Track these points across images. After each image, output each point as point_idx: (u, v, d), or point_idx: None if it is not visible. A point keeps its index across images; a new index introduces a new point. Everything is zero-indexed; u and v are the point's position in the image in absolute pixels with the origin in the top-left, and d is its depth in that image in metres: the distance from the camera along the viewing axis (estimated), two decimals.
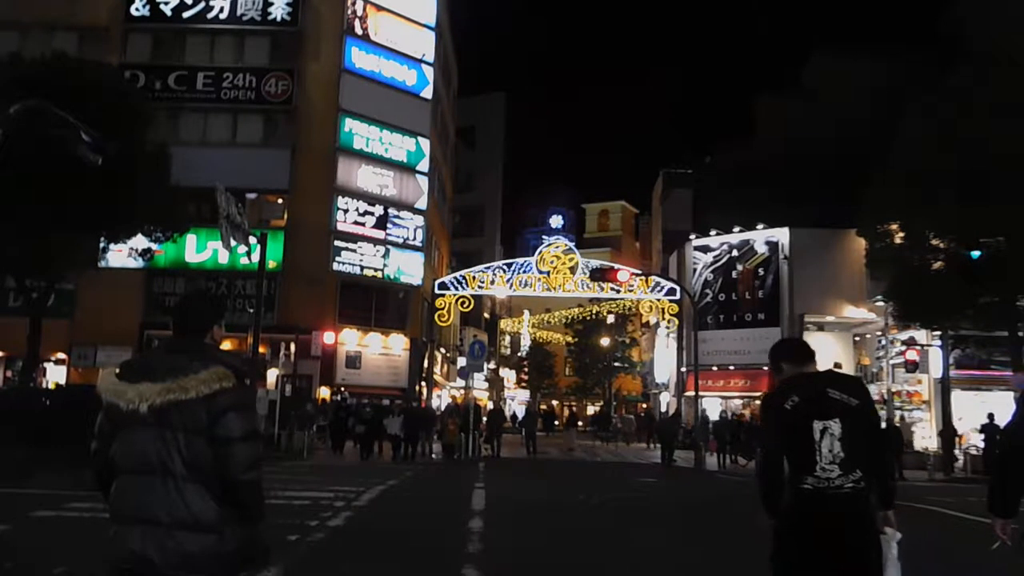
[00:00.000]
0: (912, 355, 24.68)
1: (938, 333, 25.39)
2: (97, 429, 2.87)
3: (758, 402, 33.94)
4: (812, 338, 30.73)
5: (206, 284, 31.09)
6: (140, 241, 23.01)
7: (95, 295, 29.71)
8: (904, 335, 26.85)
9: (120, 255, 25.85)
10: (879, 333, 29.79)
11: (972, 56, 21.42)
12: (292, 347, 26.60)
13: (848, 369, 28.87)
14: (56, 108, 12.35)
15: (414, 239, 35.84)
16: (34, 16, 32.30)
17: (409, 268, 35.57)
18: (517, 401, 59.10)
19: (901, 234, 23.67)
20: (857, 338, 33.21)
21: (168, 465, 2.71)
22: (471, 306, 35.05)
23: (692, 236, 37.87)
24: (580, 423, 50.11)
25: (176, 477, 2.71)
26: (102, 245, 23.89)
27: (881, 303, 27.03)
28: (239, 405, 2.79)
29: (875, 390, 26.69)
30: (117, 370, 2.88)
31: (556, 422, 66.12)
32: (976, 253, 20.72)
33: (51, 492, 11.41)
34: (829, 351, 29.41)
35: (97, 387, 2.85)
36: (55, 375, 32.61)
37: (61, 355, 31.88)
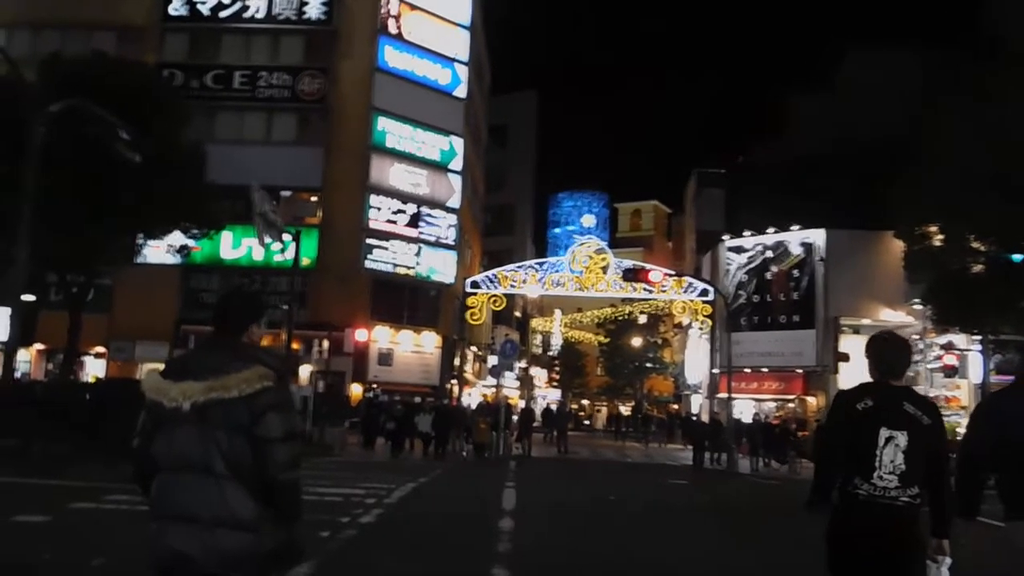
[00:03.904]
0: (951, 360, 24.31)
1: (978, 337, 24.93)
2: (140, 426, 2.88)
3: (791, 404, 33.89)
4: (847, 341, 30.46)
5: (240, 280, 31.40)
6: (176, 237, 23.27)
7: (132, 290, 30.15)
8: (942, 339, 26.41)
9: (157, 251, 26.15)
10: (916, 337, 29.28)
11: (1011, 56, 20.98)
12: (325, 343, 26.78)
13: None
14: (95, 107, 12.58)
15: (447, 237, 35.94)
16: (74, 16, 32.88)
17: (441, 266, 35.66)
18: (547, 400, 59.02)
19: (940, 236, 23.26)
20: None
21: (209, 463, 2.71)
22: (503, 305, 35.00)
23: (725, 237, 37.51)
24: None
25: (217, 475, 2.71)
26: (139, 241, 24.20)
27: (919, 306, 26.60)
28: (279, 405, 2.79)
29: None
30: (162, 368, 2.90)
31: (587, 422, 66.05)
32: (1018, 256, 20.32)
33: (90, 484, 11.57)
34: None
35: (142, 386, 2.87)
36: (94, 368, 33.17)
37: (100, 348, 32.44)
